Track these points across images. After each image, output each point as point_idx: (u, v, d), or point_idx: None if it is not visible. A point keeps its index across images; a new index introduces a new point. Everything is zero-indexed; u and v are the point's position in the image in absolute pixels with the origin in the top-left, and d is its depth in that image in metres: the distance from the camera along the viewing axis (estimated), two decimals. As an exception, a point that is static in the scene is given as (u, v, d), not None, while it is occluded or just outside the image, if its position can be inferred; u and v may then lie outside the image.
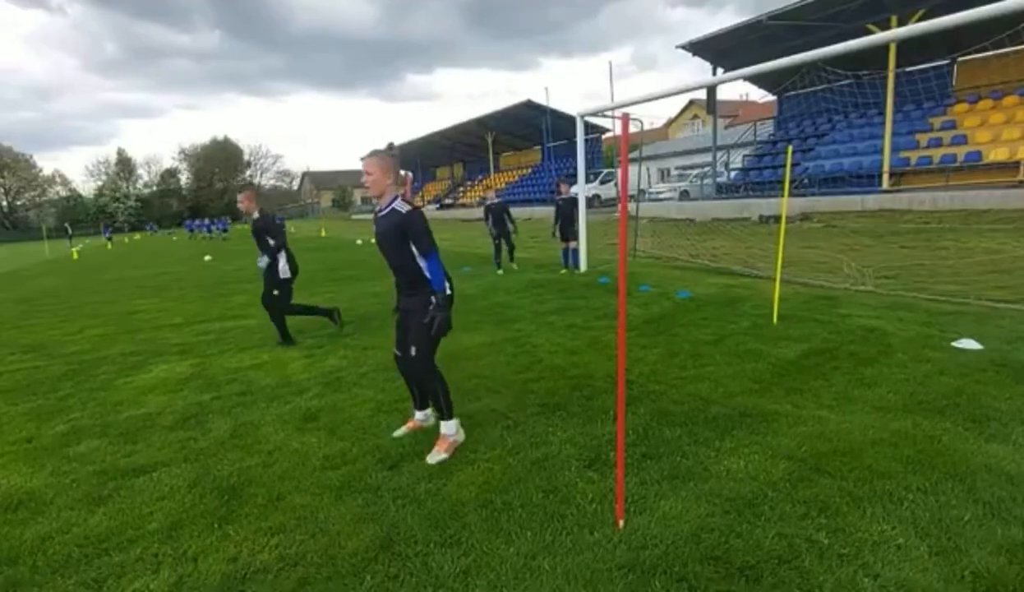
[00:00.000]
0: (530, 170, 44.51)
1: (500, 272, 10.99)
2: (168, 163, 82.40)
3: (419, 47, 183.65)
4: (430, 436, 3.53)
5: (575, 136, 11.01)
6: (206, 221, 45.82)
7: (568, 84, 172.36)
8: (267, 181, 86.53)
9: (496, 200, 11.64)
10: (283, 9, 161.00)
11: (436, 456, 3.24)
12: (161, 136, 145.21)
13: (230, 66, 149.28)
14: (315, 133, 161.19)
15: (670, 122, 57.43)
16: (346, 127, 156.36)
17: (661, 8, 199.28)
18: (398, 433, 3.63)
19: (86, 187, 77.26)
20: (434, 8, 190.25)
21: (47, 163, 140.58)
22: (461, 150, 50.03)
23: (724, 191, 25.16)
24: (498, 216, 11.29)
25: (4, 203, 74.73)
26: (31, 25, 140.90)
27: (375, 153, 3.20)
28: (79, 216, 66.89)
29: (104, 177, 76.49)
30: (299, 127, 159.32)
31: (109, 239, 42.51)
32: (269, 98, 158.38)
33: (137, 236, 54.70)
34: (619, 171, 2.45)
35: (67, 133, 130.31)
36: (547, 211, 31.84)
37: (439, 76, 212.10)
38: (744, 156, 28.37)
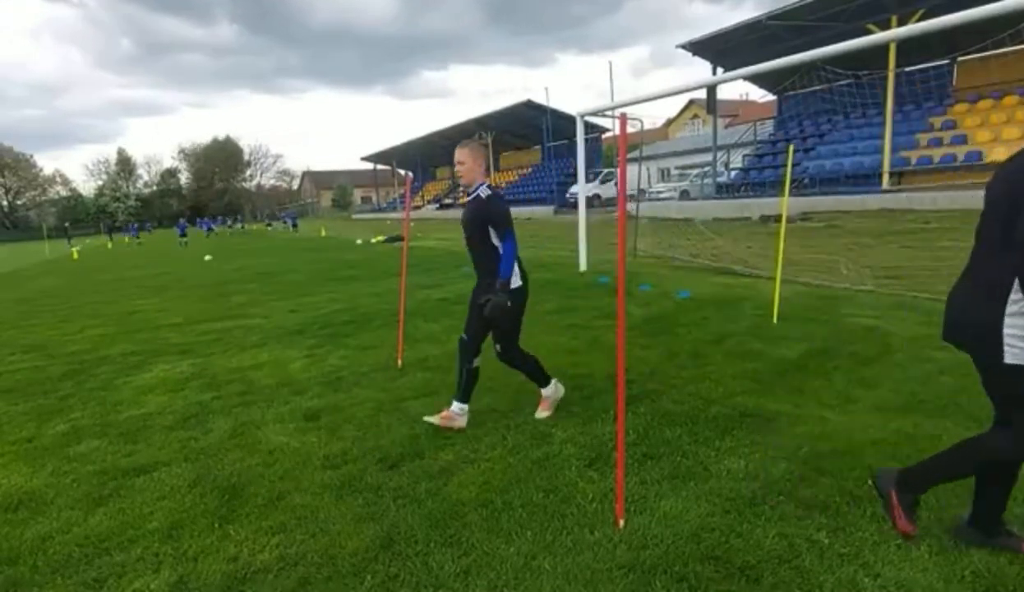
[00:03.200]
0: (530, 170, 44.51)
1: None
2: (169, 163, 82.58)
3: (436, 42, 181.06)
4: (429, 436, 3.54)
5: (575, 136, 11.01)
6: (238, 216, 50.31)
7: (584, 81, 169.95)
8: (267, 181, 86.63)
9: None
10: (304, 3, 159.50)
11: (541, 413, 3.72)
12: (169, 135, 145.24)
13: (245, 62, 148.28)
14: (326, 131, 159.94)
15: (670, 122, 57.44)
16: (358, 125, 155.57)
17: (683, 4, 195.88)
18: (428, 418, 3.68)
19: (86, 187, 77.43)
20: (454, 3, 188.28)
21: (54, 161, 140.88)
22: (461, 150, 49.97)
23: (724, 191, 25.16)
24: None
25: (4, 203, 74.78)
26: (42, 18, 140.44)
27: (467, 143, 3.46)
28: (79, 216, 66.95)
29: (104, 177, 76.62)
30: (309, 125, 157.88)
31: (137, 239, 39.37)
32: (282, 95, 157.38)
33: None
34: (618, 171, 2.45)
35: (74, 131, 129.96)
36: (547, 211, 31.86)
37: (453, 72, 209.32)
38: (744, 156, 28.38)
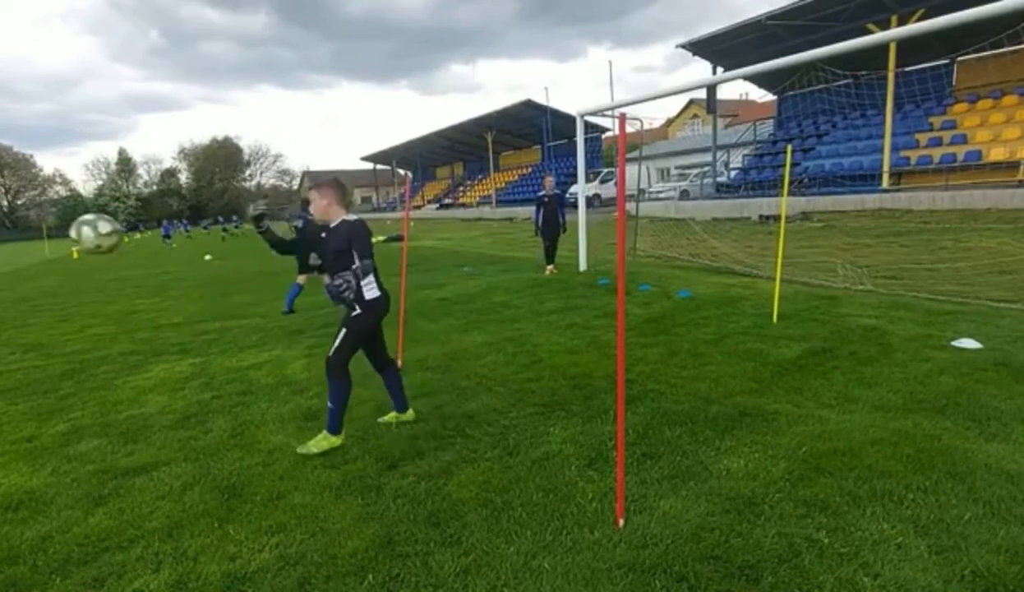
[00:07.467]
0: (530, 169, 44.50)
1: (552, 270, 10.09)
2: (169, 163, 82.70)
3: (466, 35, 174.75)
4: (430, 436, 3.54)
5: (575, 135, 11.00)
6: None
7: (608, 76, 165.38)
8: (267, 180, 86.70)
9: (555, 191, 10.25)
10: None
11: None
12: (180, 131, 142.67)
13: (272, 54, 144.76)
14: (343, 127, 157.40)
15: (670, 122, 57.39)
16: (376, 121, 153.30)
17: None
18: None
19: (87, 187, 77.48)
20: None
21: (63, 158, 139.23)
22: (460, 149, 50.01)
23: (724, 191, 25.16)
24: (552, 212, 9.94)
25: (4, 203, 74.78)
26: (59, 7, 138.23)
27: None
28: (79, 215, 67.04)
29: (104, 177, 76.72)
30: (325, 121, 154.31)
31: (167, 238, 36.32)
32: (305, 90, 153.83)
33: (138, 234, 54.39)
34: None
35: (84, 127, 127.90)
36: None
37: (481, 67, 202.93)
38: (744, 156, 28.38)
